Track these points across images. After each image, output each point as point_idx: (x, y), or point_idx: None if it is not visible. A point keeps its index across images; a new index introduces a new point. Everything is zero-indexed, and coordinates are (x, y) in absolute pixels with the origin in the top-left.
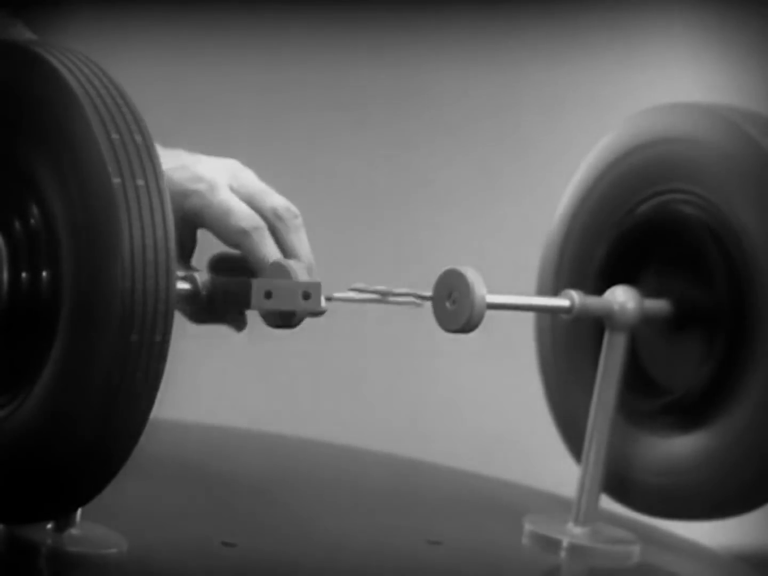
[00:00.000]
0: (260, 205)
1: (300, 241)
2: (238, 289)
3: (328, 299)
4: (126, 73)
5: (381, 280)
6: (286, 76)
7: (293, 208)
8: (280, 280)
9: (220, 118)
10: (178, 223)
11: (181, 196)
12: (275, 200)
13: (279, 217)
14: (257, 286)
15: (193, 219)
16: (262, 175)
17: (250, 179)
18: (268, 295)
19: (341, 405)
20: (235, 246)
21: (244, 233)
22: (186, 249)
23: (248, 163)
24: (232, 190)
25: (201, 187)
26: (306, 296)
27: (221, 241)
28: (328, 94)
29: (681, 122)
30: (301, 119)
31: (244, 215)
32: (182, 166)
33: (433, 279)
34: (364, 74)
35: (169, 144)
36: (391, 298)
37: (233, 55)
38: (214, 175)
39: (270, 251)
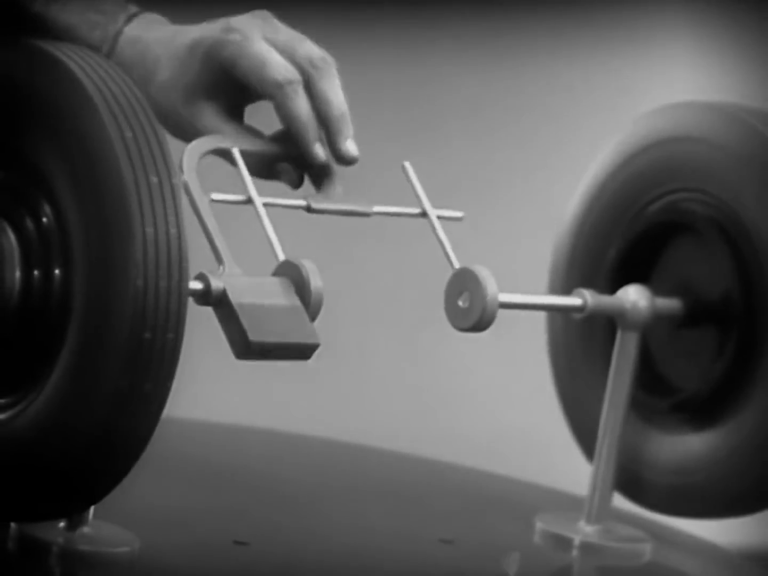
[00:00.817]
0: (294, 54)
1: (333, 89)
2: (236, 334)
3: (367, 215)
4: None
5: (393, 282)
6: None
7: (329, 57)
8: (276, 342)
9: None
10: (216, 74)
11: (217, 46)
12: (310, 49)
13: (314, 65)
14: (254, 344)
15: (230, 70)
16: None
17: (283, 29)
18: (264, 354)
19: (353, 403)
20: (269, 98)
21: (278, 86)
22: (231, 99)
23: None
24: (266, 40)
25: (235, 37)
26: (302, 353)
27: (255, 93)
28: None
29: (691, 121)
30: None
31: (278, 67)
32: (213, 21)
33: (443, 279)
34: (376, 70)
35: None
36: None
37: None
38: (248, 26)
39: (302, 106)
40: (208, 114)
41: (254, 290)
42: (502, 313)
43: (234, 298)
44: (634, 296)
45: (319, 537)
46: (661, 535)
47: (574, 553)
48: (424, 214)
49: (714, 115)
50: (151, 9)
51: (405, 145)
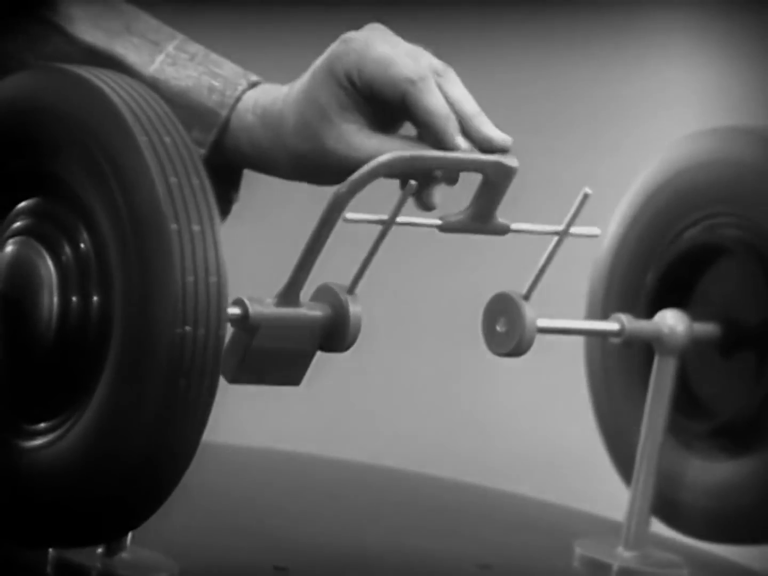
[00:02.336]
0: (417, 62)
1: (462, 91)
2: (231, 362)
3: (503, 233)
4: None
5: (429, 305)
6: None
7: (450, 68)
8: (255, 384)
9: None
10: (346, 89)
11: (338, 57)
12: (431, 58)
13: (437, 73)
14: (232, 383)
15: (353, 79)
16: None
17: (401, 40)
18: None
19: (388, 426)
20: (400, 97)
21: (411, 82)
22: (371, 114)
23: None
24: (388, 45)
25: (356, 44)
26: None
27: (384, 96)
28: None
29: (730, 145)
30: None
31: (408, 65)
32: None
33: (479, 303)
34: None
35: None
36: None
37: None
38: (367, 33)
39: (439, 99)
40: (351, 133)
41: (279, 328)
42: (539, 336)
43: (256, 339)
44: (671, 321)
45: (356, 561)
46: (698, 561)
47: None
48: (557, 233)
49: (754, 140)
50: (150, 9)
51: None
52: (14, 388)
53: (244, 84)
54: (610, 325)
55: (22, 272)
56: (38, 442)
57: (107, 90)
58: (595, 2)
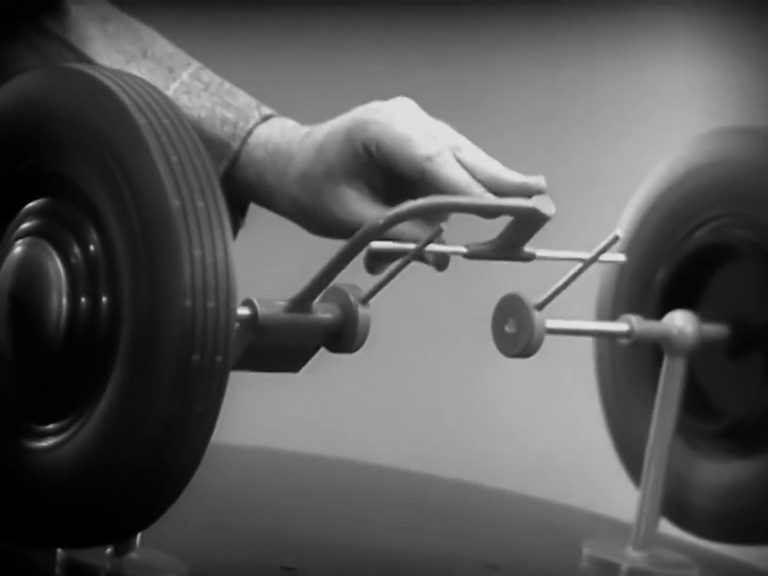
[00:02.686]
0: (440, 138)
1: (482, 158)
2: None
3: (529, 260)
4: None
5: (435, 305)
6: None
7: (473, 145)
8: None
9: None
10: (357, 156)
11: (359, 126)
12: (453, 134)
13: (457, 147)
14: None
15: (371, 150)
16: None
17: (425, 116)
18: None
19: (396, 428)
20: (419, 174)
21: (428, 159)
22: (373, 184)
23: None
24: (410, 122)
25: (379, 117)
26: None
27: (401, 172)
28: (370, 90)
29: (735, 147)
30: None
31: (426, 142)
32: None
33: (487, 304)
34: (416, 78)
35: None
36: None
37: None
38: (391, 108)
39: (459, 170)
40: (351, 199)
41: (286, 330)
42: (549, 337)
43: (262, 338)
44: (680, 322)
45: (364, 561)
46: (707, 561)
47: None
48: (582, 260)
49: (762, 141)
50: (147, 10)
51: None
52: (23, 389)
53: (256, 117)
54: (620, 326)
55: (31, 273)
56: (47, 442)
57: (113, 87)
58: (593, 1)
